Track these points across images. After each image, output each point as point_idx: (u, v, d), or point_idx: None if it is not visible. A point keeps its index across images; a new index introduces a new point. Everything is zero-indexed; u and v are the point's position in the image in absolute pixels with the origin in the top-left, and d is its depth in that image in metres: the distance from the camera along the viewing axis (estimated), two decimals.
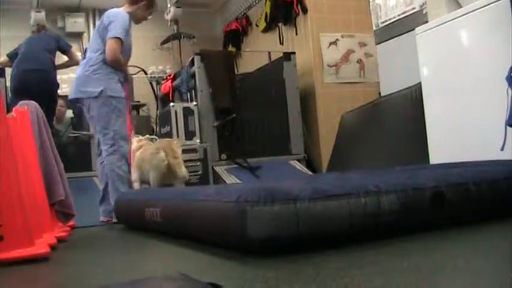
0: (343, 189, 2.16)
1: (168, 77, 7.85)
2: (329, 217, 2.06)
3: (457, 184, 2.35)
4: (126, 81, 4.78)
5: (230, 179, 6.08)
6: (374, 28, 5.50)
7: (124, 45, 4.56)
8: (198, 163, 6.22)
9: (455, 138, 3.84)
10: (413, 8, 4.90)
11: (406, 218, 2.20)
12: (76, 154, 6.66)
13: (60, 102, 7.37)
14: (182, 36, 8.65)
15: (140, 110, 8.89)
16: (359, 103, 5.93)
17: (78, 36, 9.57)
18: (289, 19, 7.45)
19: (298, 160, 6.68)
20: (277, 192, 2.03)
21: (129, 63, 4.89)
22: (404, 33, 4.96)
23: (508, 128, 3.06)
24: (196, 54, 6.72)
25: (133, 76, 6.97)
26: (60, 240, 3.09)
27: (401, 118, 4.88)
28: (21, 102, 3.66)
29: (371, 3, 5.53)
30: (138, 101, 8.51)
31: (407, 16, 4.99)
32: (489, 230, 2.19)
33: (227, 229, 2.14)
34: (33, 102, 3.64)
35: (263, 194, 2.00)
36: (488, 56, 3.57)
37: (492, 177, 2.45)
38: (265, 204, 1.98)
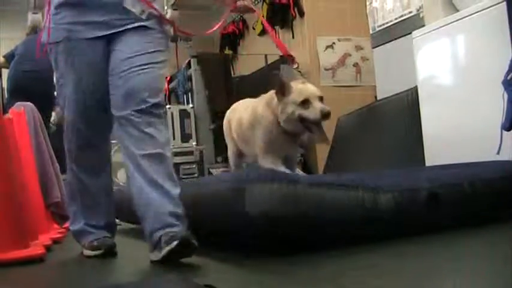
0: (342, 181, 2.20)
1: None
2: (328, 204, 2.07)
3: (452, 184, 2.35)
4: None
5: None
6: (370, 32, 5.50)
7: None
8: (194, 165, 6.22)
9: (451, 141, 3.84)
10: (410, 12, 4.90)
11: (402, 217, 2.21)
12: None
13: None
14: (179, 38, 8.65)
15: None
16: (355, 106, 5.93)
17: None
18: (286, 22, 7.45)
19: None
20: (278, 174, 2.07)
21: None
22: (401, 37, 4.97)
23: (504, 131, 3.07)
24: (193, 56, 6.73)
25: None
26: (55, 241, 3.08)
27: (397, 122, 4.88)
28: (17, 103, 3.66)
29: (368, 7, 5.53)
30: None
31: (404, 20, 4.99)
32: (485, 231, 2.20)
33: (226, 207, 2.11)
34: (29, 103, 3.64)
35: (263, 174, 2.03)
36: (485, 60, 3.58)
37: (488, 177, 2.46)
38: (265, 183, 1.98)
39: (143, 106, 2.22)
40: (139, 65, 2.28)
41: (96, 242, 2.45)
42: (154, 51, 2.34)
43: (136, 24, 2.32)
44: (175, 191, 2.17)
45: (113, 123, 2.34)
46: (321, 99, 2.60)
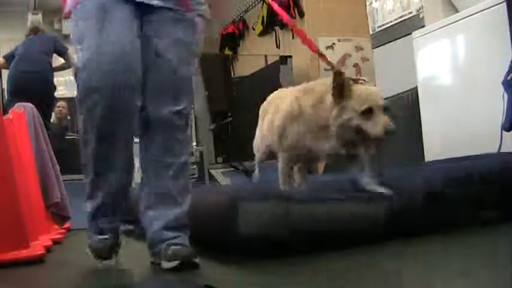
0: (336, 193, 2.19)
1: None
2: (320, 219, 2.08)
3: (452, 178, 2.35)
4: None
5: (226, 182, 6.07)
6: (371, 32, 5.50)
7: None
8: (194, 166, 6.21)
9: (451, 142, 3.84)
10: (410, 13, 4.90)
11: (401, 219, 2.20)
12: (72, 156, 6.66)
13: (62, 103, 7.46)
14: None
15: None
16: None
17: None
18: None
19: None
20: (270, 191, 2.06)
21: None
22: (401, 38, 4.97)
23: (504, 132, 3.07)
24: None
25: None
26: (55, 242, 3.08)
27: (397, 122, 4.88)
28: (17, 104, 3.66)
29: (368, 7, 5.53)
30: None
31: (404, 20, 4.99)
32: (485, 231, 2.19)
33: (218, 224, 2.13)
34: (29, 104, 3.64)
35: (256, 191, 2.03)
36: (485, 61, 3.58)
37: (487, 170, 2.46)
38: (258, 201, 2.00)
39: (182, 106, 2.05)
40: (180, 58, 2.03)
41: (95, 244, 2.13)
42: (192, 42, 2.09)
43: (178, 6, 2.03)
44: (186, 199, 2.05)
45: (137, 110, 2.01)
46: (385, 109, 2.19)
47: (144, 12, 2.01)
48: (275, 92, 2.91)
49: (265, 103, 2.91)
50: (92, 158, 2.01)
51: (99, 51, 1.90)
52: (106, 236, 2.09)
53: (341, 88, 2.15)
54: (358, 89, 2.18)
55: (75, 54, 2.15)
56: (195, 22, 2.09)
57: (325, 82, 2.31)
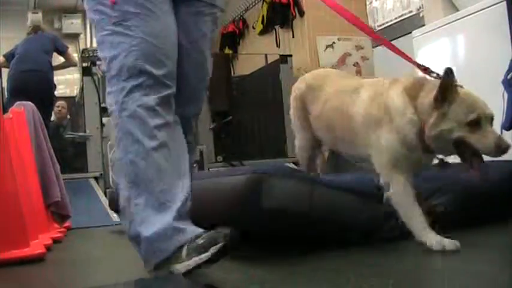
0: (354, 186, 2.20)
1: None
2: (341, 205, 2.09)
3: (452, 191, 2.35)
4: None
5: None
6: None
7: None
8: (194, 165, 6.21)
9: None
10: (410, 12, 4.90)
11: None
12: (72, 155, 6.67)
13: (61, 103, 7.46)
14: None
15: None
16: None
17: (74, 37, 9.56)
18: (286, 22, 7.45)
19: (295, 163, 6.67)
20: (295, 170, 2.08)
21: None
22: (401, 37, 4.97)
23: (504, 131, 3.07)
24: None
25: None
26: (55, 241, 3.09)
27: None
28: (17, 103, 3.66)
29: (368, 6, 5.53)
30: None
31: (404, 19, 4.99)
32: (485, 231, 2.20)
33: (241, 200, 2.08)
34: (29, 103, 3.64)
35: (281, 169, 2.04)
36: (485, 60, 3.58)
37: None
38: (282, 177, 2.01)
39: (200, 107, 2.02)
40: (206, 55, 2.00)
41: (202, 239, 1.67)
42: (211, 38, 2.04)
43: None
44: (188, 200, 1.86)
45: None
46: (491, 121, 1.86)
47: (176, 4, 1.92)
48: (311, 76, 2.61)
49: (303, 86, 2.58)
50: (151, 166, 1.74)
51: (149, 39, 1.77)
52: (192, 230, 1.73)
53: (446, 90, 1.85)
54: (463, 93, 1.89)
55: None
56: (217, 17, 2.03)
57: (410, 79, 2.07)
